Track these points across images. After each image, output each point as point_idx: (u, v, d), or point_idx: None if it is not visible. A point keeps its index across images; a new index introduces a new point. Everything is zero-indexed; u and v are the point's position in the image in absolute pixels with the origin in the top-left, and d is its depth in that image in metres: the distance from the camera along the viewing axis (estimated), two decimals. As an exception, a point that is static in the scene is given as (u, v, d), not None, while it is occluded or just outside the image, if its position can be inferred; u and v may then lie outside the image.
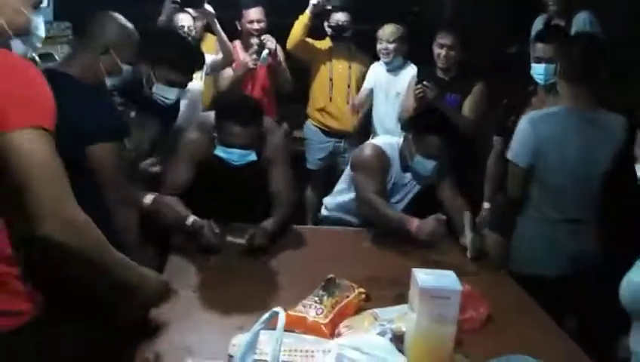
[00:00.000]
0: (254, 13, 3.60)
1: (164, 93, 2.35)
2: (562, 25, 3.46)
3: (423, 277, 1.49)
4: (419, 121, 2.64)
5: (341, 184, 2.81)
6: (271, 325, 1.28)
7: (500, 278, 2.24)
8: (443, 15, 4.63)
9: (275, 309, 1.26)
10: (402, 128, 3.10)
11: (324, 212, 2.92)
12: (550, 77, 2.69)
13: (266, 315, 1.27)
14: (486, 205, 2.95)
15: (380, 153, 2.57)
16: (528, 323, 1.87)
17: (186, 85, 2.45)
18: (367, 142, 2.70)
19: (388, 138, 2.80)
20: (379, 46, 3.63)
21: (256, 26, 3.60)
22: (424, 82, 3.09)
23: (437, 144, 2.46)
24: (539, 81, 2.76)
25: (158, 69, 2.33)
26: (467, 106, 3.15)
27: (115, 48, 1.98)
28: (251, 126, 2.32)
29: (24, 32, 1.43)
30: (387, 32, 3.60)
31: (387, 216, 2.45)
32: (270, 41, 3.56)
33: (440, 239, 2.34)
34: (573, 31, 3.37)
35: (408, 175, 2.62)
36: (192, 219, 2.21)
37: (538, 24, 3.59)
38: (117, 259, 1.32)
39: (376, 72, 3.74)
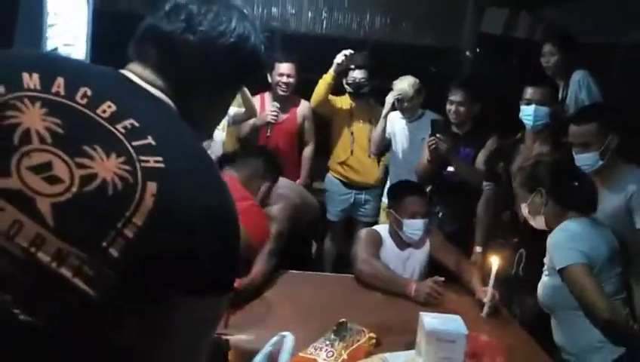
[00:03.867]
0: (285, 68, 3.69)
1: None
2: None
3: (430, 320, 1.55)
4: (392, 191, 2.87)
5: None
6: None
7: (511, 327, 2.25)
8: (459, 73, 4.73)
9: (283, 333, 1.30)
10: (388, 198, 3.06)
11: None
12: (539, 118, 2.72)
13: (275, 338, 1.31)
14: (478, 249, 3.02)
15: (372, 231, 2.78)
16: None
17: None
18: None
19: (382, 225, 2.97)
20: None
21: (285, 79, 3.69)
22: (437, 135, 3.16)
23: (417, 202, 2.68)
24: (527, 122, 2.77)
25: None
26: (480, 160, 3.20)
27: None
28: None
29: None
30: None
31: (388, 278, 2.50)
32: (273, 114, 3.67)
33: (438, 300, 2.37)
34: (569, 91, 3.35)
35: (408, 250, 2.73)
36: None
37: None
38: None
39: (395, 122, 3.79)
